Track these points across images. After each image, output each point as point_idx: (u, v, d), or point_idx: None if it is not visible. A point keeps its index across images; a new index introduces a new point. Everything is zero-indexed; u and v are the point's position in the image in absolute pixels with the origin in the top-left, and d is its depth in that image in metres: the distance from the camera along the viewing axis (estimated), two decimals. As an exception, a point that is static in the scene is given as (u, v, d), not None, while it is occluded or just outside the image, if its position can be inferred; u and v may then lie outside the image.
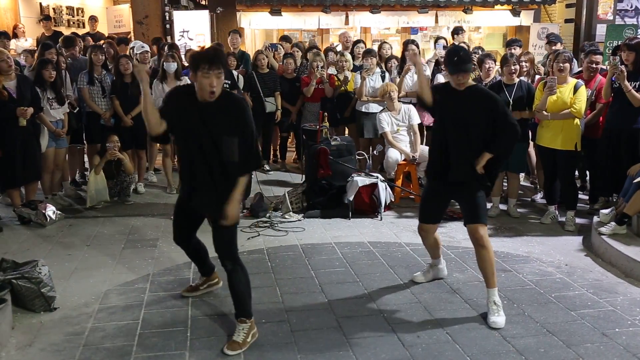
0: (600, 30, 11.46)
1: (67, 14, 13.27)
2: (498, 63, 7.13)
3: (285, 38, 10.69)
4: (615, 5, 11.65)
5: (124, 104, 7.42)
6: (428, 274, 4.92)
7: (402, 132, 7.55)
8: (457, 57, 4.20)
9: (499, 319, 4.18)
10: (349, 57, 8.79)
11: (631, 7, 11.50)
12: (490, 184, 4.44)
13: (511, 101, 6.37)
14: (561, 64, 6.07)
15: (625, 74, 5.94)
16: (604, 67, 7.01)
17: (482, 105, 4.26)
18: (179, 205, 4.27)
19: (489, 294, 4.31)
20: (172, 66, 7.40)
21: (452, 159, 4.32)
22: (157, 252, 5.62)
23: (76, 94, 7.47)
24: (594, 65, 6.60)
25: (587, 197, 7.03)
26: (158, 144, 8.38)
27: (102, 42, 9.20)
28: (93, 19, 12.21)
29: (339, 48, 10.27)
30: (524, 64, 7.06)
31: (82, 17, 13.64)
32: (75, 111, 7.22)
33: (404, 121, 7.53)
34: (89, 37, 9.93)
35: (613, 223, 5.56)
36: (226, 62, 4.11)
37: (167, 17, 11.39)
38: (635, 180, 5.51)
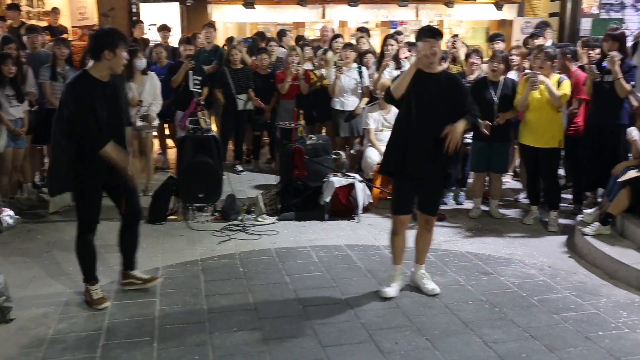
0: (585, 24, 11.50)
1: (26, 5, 12.75)
2: (486, 59, 7.06)
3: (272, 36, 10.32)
4: (600, -1, 11.67)
5: None
6: (394, 286, 4.67)
7: (386, 132, 7.40)
8: (427, 26, 4.51)
9: (434, 284, 4.68)
10: (330, 55, 8.60)
11: (616, 0, 11.54)
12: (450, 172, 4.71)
13: (496, 100, 6.30)
14: (540, 61, 6.02)
15: (618, 62, 5.90)
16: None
17: (453, 91, 4.41)
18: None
19: (421, 269, 4.73)
20: (143, 63, 7.17)
21: (424, 151, 4.38)
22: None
23: (36, 90, 7.15)
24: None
25: (571, 197, 6.97)
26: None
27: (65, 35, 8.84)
28: (55, 11, 11.78)
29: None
30: (514, 57, 6.96)
31: (43, 8, 13.18)
32: (33, 109, 6.89)
33: (391, 122, 7.37)
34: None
35: (597, 223, 5.53)
36: None
37: (134, 10, 11.10)
38: (619, 179, 5.49)
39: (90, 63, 4.28)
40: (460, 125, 4.29)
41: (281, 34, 10.38)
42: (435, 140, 4.33)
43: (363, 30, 9.96)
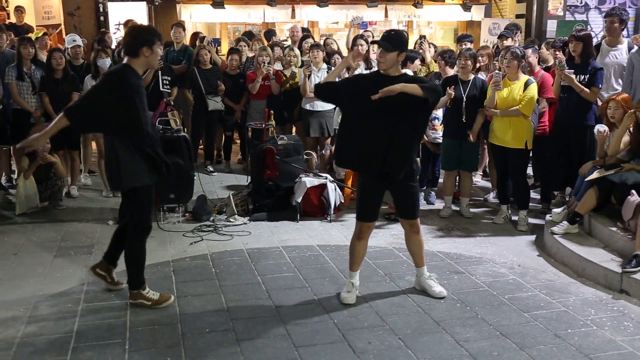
0: (551, 26, 11.80)
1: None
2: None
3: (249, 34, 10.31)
4: (565, 1, 11.97)
5: (54, 102, 7.00)
6: (353, 292, 4.59)
7: None
8: (387, 32, 4.40)
9: (441, 287, 4.62)
10: (297, 52, 8.60)
11: (581, 3, 11.85)
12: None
13: (465, 98, 6.33)
14: (506, 61, 6.09)
15: (574, 77, 5.98)
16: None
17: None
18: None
19: (423, 271, 4.67)
20: (106, 62, 7.10)
21: (387, 151, 4.27)
22: (92, 259, 5.32)
23: (1, 90, 7.00)
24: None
25: (539, 196, 7.01)
26: (93, 145, 7.99)
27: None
28: (19, 10, 11.53)
29: (288, 42, 10.10)
30: (481, 58, 7.04)
31: (7, 7, 12.92)
32: None
33: None
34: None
35: (565, 222, 5.57)
36: None
37: (102, 9, 10.92)
38: (586, 179, 5.54)
39: (126, 59, 4.22)
40: (407, 86, 4.14)
41: (270, 33, 10.38)
42: (392, 141, 4.24)
43: (304, 30, 10.00)
